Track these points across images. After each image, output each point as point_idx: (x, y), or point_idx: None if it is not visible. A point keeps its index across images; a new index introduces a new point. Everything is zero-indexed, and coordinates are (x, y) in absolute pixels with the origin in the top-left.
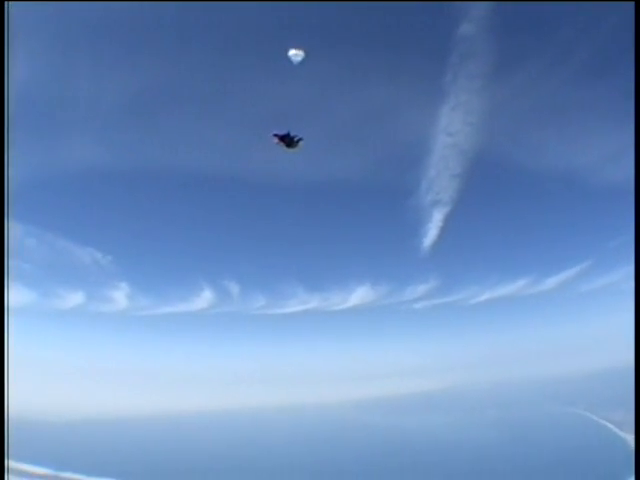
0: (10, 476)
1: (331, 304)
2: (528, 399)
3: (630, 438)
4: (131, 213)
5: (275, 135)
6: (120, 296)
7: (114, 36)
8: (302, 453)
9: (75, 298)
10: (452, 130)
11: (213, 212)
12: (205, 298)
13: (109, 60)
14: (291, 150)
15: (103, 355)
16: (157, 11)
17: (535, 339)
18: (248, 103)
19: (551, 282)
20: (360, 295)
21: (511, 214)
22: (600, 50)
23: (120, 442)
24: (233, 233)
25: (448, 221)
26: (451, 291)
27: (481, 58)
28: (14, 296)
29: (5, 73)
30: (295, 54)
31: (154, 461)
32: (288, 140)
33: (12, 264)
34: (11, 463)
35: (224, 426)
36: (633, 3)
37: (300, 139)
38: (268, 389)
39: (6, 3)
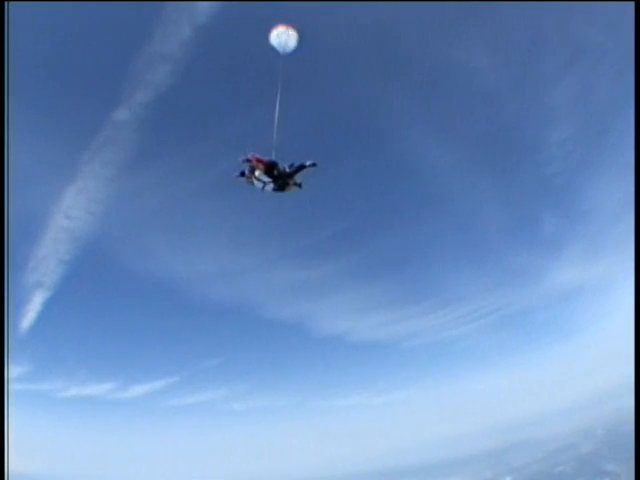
0: None
1: None
2: None
3: None
4: None
5: (252, 161)
6: None
7: None
8: None
9: None
10: (72, 214)
11: None
12: None
13: None
14: (284, 192)
15: None
16: None
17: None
18: None
19: (136, 390)
20: None
21: (106, 314)
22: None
23: None
24: None
25: (48, 306)
26: (43, 379)
27: (123, 147)
28: None
29: (5, 72)
30: (283, 34)
31: None
32: (278, 173)
33: None
34: None
35: None
36: (633, 3)
37: (309, 165)
38: None
39: (6, 3)
